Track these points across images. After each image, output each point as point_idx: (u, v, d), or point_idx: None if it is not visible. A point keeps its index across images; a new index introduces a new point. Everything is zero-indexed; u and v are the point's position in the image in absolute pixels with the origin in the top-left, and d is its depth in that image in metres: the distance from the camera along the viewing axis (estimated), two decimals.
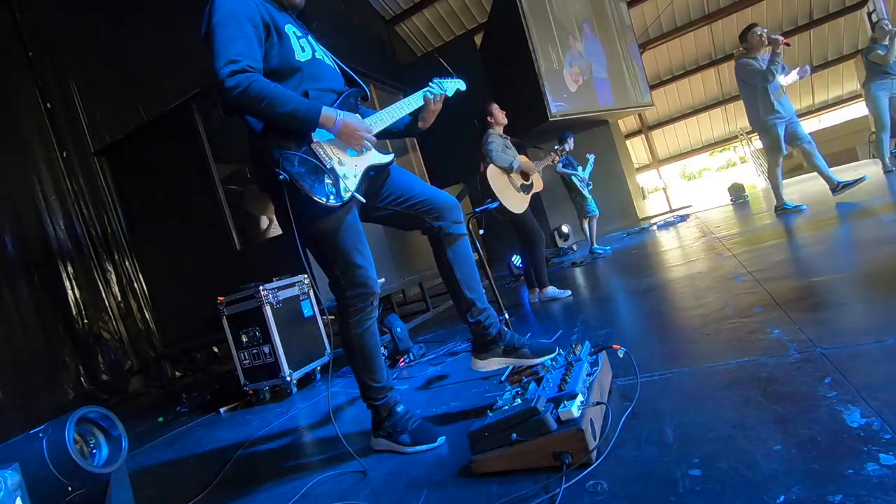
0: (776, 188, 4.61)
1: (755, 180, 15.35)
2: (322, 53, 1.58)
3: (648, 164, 18.59)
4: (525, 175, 3.63)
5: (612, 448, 1.13)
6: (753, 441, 1.00)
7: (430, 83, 1.72)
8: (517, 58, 8.92)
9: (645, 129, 17.51)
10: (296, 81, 1.45)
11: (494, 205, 3.36)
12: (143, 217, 4.40)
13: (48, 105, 4.86)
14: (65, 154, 4.87)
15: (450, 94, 1.77)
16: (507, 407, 1.25)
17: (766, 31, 4.32)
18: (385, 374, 1.58)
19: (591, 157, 5.88)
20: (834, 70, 14.63)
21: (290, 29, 1.49)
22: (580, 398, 1.19)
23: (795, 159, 14.56)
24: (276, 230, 4.50)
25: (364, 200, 1.50)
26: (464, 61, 10.31)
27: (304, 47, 1.50)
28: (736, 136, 17.35)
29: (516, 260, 5.58)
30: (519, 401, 1.26)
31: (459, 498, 1.13)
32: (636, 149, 18.09)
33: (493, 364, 1.66)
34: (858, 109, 14.41)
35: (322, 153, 1.41)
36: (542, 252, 3.61)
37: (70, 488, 1.29)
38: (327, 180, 1.38)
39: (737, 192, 8.06)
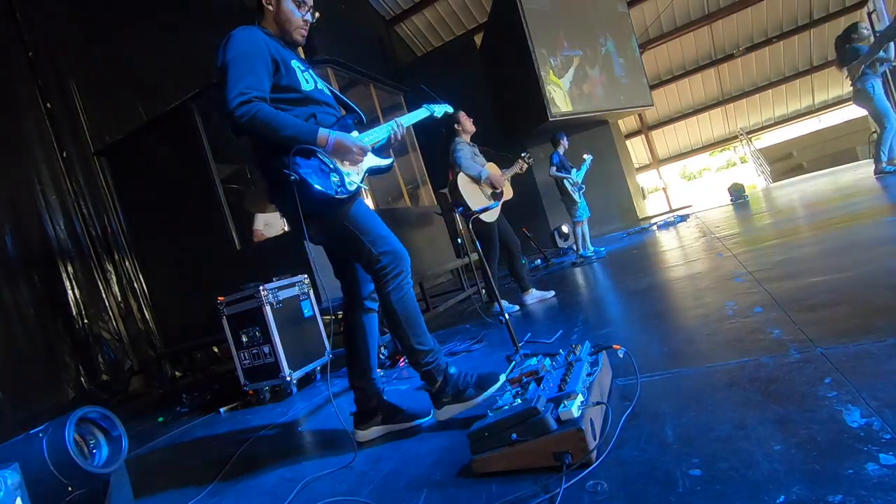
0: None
1: (755, 180, 15.35)
2: (322, 85, 1.78)
3: (648, 164, 18.59)
4: (497, 180, 3.59)
5: (612, 448, 1.13)
6: (753, 441, 1.00)
7: (423, 106, 2.01)
8: (517, 58, 8.92)
9: (645, 129, 17.51)
10: (303, 107, 1.64)
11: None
12: (143, 217, 4.40)
13: (48, 105, 4.86)
14: (65, 154, 4.86)
15: (438, 116, 2.05)
16: (507, 407, 1.25)
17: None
18: (430, 338, 1.68)
19: (588, 158, 5.85)
20: (834, 70, 14.63)
21: (296, 63, 1.68)
22: (580, 398, 1.19)
23: (796, 160, 14.61)
24: (275, 230, 4.50)
25: (367, 188, 1.68)
26: (464, 61, 10.33)
27: (307, 79, 1.70)
28: (736, 136, 17.34)
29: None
30: (519, 401, 1.26)
31: (459, 498, 1.13)
32: (636, 149, 18.09)
33: (371, 433, 1.73)
34: (858, 109, 14.40)
35: (325, 157, 1.57)
36: (519, 258, 3.66)
37: (70, 488, 1.29)
38: (333, 178, 1.53)
39: (737, 192, 8.06)
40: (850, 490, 0.79)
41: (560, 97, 8.79)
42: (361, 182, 1.63)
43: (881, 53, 4.88)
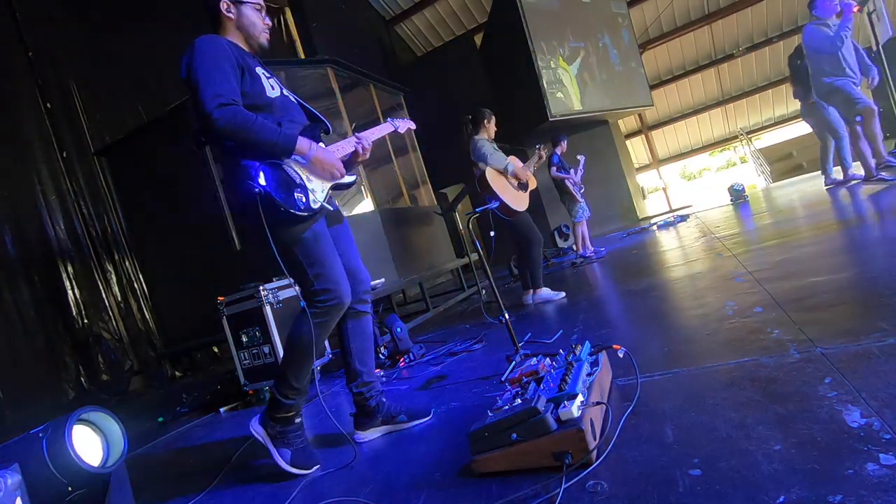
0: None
1: (755, 180, 15.35)
2: (287, 92, 1.76)
3: (648, 164, 18.59)
4: (523, 171, 3.66)
5: (612, 448, 1.13)
6: (753, 441, 1.00)
7: (387, 119, 2.00)
8: (517, 58, 8.92)
9: (645, 129, 17.51)
10: (268, 114, 1.60)
11: (495, 204, 3.36)
12: (143, 217, 4.40)
13: (48, 105, 4.86)
14: (65, 154, 4.87)
15: (402, 132, 2.04)
16: (507, 407, 1.25)
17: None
18: (307, 383, 1.65)
19: (582, 159, 5.85)
20: None
21: (260, 71, 1.66)
22: (580, 398, 1.19)
23: (796, 160, 14.61)
24: None
25: (332, 209, 1.67)
26: (464, 61, 10.33)
27: (273, 86, 1.67)
28: (736, 136, 17.35)
29: (514, 261, 5.57)
30: (519, 401, 1.26)
31: (459, 498, 1.13)
32: (636, 149, 18.09)
33: (370, 434, 1.74)
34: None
35: (292, 171, 1.55)
36: (539, 253, 3.62)
37: (70, 488, 1.29)
38: (297, 193, 1.52)
39: (737, 193, 8.06)
40: (850, 490, 0.79)
41: (567, 80, 8.90)
42: (325, 201, 1.60)
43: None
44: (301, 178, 1.55)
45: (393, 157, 5.48)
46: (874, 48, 5.67)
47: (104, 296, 4.83)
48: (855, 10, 4.31)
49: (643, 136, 17.72)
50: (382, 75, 6.03)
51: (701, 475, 0.94)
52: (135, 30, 5.32)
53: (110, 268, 4.97)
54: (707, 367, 1.45)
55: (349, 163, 1.76)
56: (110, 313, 4.82)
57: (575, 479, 1.04)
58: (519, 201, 3.55)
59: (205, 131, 1.48)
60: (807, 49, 4.82)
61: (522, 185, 3.66)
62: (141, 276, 4.96)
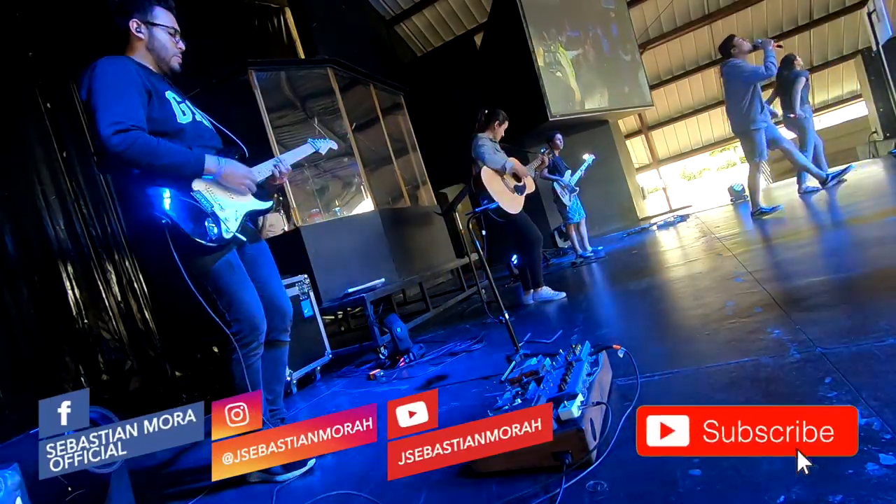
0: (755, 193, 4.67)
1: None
2: (201, 116, 1.71)
3: (648, 164, 18.57)
4: (517, 176, 3.63)
5: (612, 448, 1.13)
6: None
7: (307, 141, 1.92)
8: (517, 58, 8.94)
9: (645, 129, 17.49)
10: (179, 141, 1.55)
11: (494, 205, 3.36)
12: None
13: (48, 105, 4.85)
14: (65, 154, 4.86)
15: (322, 153, 1.96)
16: (507, 407, 1.25)
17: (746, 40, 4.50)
18: (264, 410, 1.62)
19: (589, 159, 5.78)
20: (834, 70, 14.62)
21: (171, 95, 1.61)
22: (580, 398, 1.19)
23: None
24: (276, 231, 4.50)
25: (245, 239, 1.63)
26: (464, 61, 10.33)
27: (184, 111, 1.63)
28: (736, 137, 17.32)
29: (516, 260, 5.55)
30: (519, 401, 1.26)
31: (459, 498, 1.13)
32: (636, 149, 18.07)
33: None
34: (858, 109, 14.39)
35: (202, 198, 1.49)
36: (539, 252, 3.61)
37: (70, 489, 1.29)
38: (208, 223, 1.48)
39: (737, 193, 8.06)
40: (850, 490, 0.79)
41: (565, 62, 9.09)
42: (238, 230, 1.55)
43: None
44: (212, 207, 1.50)
45: (393, 158, 5.47)
46: (874, 48, 5.71)
47: (104, 296, 4.82)
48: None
49: (643, 136, 17.70)
50: (382, 75, 6.02)
51: (701, 475, 0.94)
52: None
53: (110, 268, 4.96)
54: (707, 367, 1.45)
55: (265, 186, 1.71)
56: (110, 313, 4.81)
57: (575, 479, 1.05)
58: (513, 204, 3.50)
59: (102, 158, 1.43)
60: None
61: (519, 188, 3.62)
62: (141, 276, 4.96)
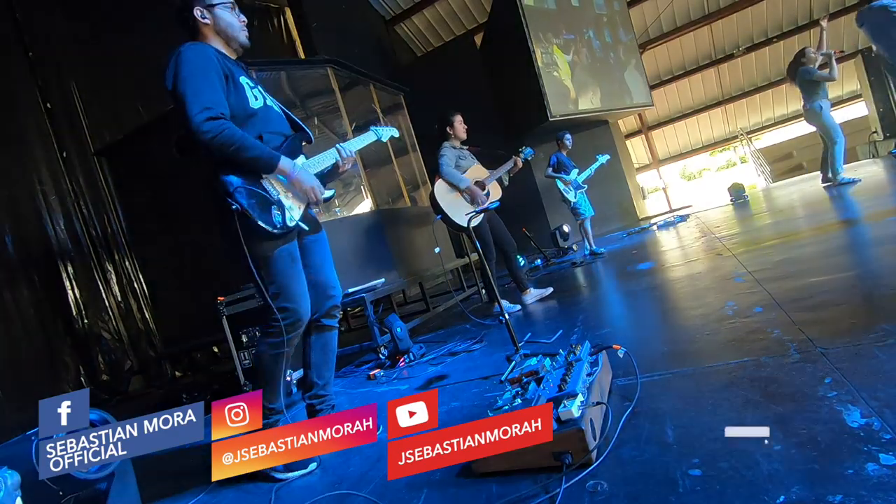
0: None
1: (755, 180, 15.34)
2: (271, 102, 1.75)
3: (648, 164, 18.57)
4: (481, 185, 3.47)
5: (612, 448, 1.13)
6: (753, 441, 1.00)
7: (370, 129, 1.98)
8: (517, 58, 8.93)
9: (645, 129, 17.48)
10: (251, 125, 1.59)
11: (496, 204, 3.30)
12: (143, 217, 4.40)
13: (48, 105, 4.86)
14: (65, 154, 4.86)
15: (384, 140, 2.04)
16: (507, 407, 1.25)
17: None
18: (281, 399, 1.67)
19: (603, 158, 5.81)
20: None
21: (244, 80, 1.66)
22: (580, 398, 1.19)
23: (796, 160, 14.60)
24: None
25: (307, 228, 1.68)
26: (464, 61, 10.32)
27: (256, 96, 1.66)
28: (736, 136, 17.32)
29: (519, 260, 5.55)
30: (519, 401, 1.26)
31: (459, 498, 1.13)
32: (636, 149, 18.06)
33: None
34: (858, 109, 14.38)
35: (271, 187, 1.56)
36: (493, 266, 3.47)
37: (60, 493, 1.29)
38: (275, 210, 1.53)
39: (737, 192, 8.06)
40: (850, 490, 0.79)
41: (561, 62, 9.12)
42: (301, 219, 1.61)
43: (824, 73, 5.37)
44: (278, 195, 1.56)
45: (393, 158, 5.47)
46: (874, 48, 5.76)
47: (104, 296, 4.82)
48: None
49: (643, 136, 17.70)
50: (382, 75, 6.03)
51: (701, 475, 0.94)
52: (135, 30, 5.32)
53: (110, 268, 4.96)
54: (707, 367, 1.45)
55: (330, 174, 1.74)
56: (110, 313, 4.82)
57: (575, 479, 1.04)
58: (466, 217, 3.39)
59: (192, 144, 1.46)
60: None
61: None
62: (141, 276, 4.96)
